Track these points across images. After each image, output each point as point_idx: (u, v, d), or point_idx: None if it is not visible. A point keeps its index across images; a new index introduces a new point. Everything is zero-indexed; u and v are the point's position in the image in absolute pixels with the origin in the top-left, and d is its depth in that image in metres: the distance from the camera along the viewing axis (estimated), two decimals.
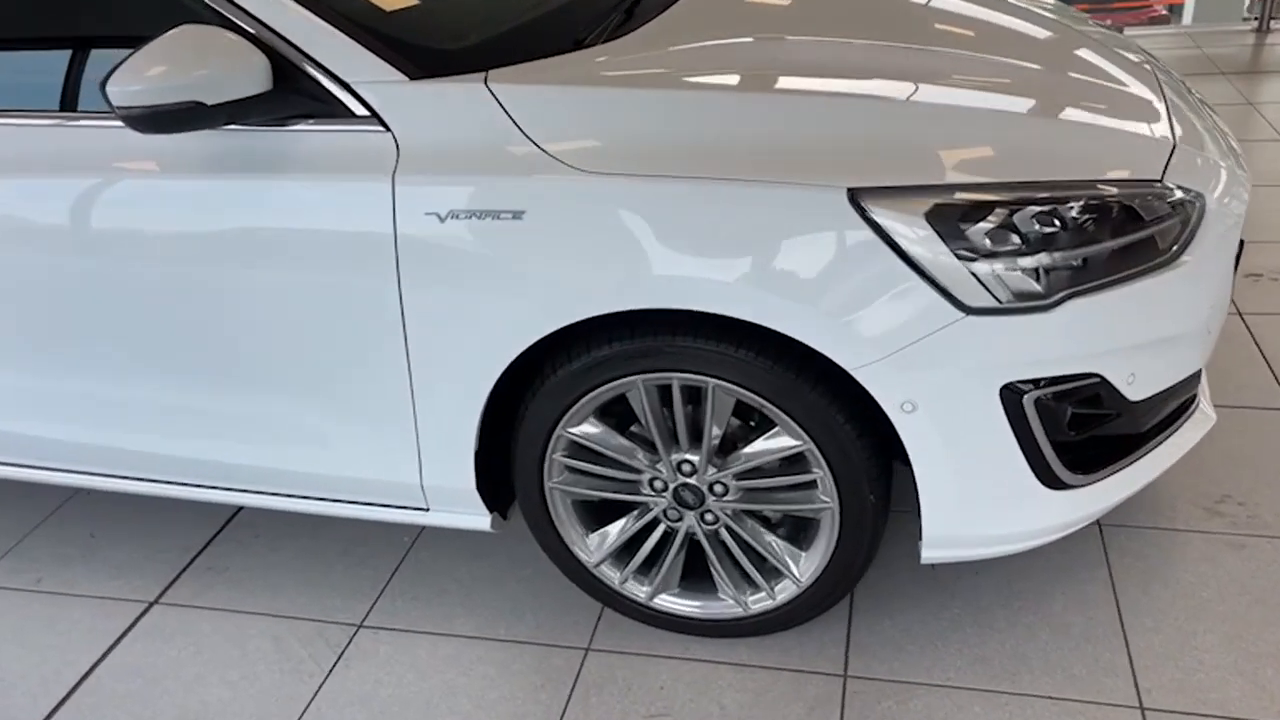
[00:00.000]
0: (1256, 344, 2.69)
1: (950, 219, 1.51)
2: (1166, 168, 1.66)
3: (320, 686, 1.96)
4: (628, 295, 1.60)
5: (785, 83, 1.72)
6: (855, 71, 1.76)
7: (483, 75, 1.69)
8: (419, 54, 1.70)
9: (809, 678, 1.85)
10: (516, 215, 1.60)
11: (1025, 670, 1.81)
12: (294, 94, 1.67)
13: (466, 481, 1.87)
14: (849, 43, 1.92)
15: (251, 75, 1.62)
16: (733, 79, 1.73)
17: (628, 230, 1.57)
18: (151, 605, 2.21)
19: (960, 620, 1.94)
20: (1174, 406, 1.86)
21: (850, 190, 1.51)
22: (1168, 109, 1.85)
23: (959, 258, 1.51)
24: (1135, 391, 1.68)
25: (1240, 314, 2.84)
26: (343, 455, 1.92)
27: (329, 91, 1.67)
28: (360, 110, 1.67)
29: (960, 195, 1.52)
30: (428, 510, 1.96)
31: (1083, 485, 1.71)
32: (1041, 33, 2.12)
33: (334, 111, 1.68)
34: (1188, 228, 1.66)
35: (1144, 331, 1.64)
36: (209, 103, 1.59)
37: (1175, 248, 1.64)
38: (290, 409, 1.90)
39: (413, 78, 1.67)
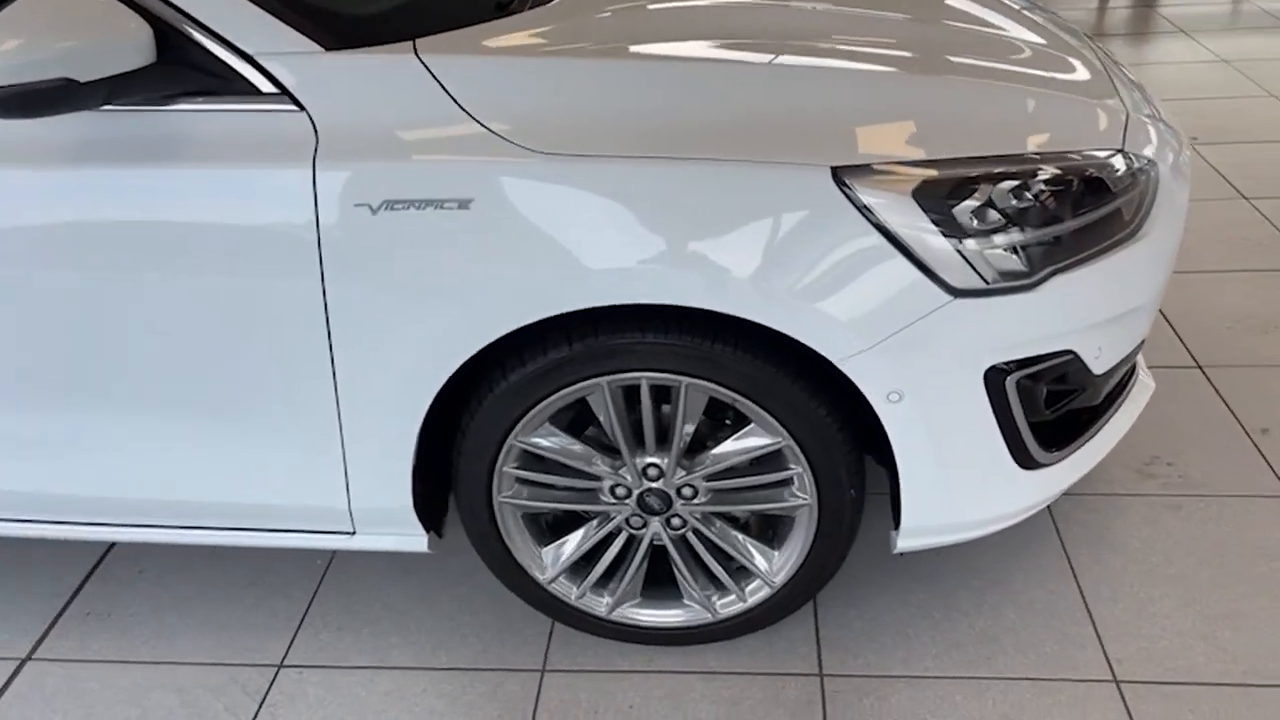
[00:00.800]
0: None
1: (937, 197, 1.43)
2: (1125, 136, 1.63)
3: None
4: (592, 290, 1.44)
5: (743, 52, 1.59)
6: (816, 37, 1.66)
7: (410, 45, 1.48)
8: (334, 20, 1.48)
9: (784, 680, 1.76)
10: (463, 204, 1.41)
11: (999, 652, 1.79)
12: (184, 68, 1.43)
13: (401, 501, 1.67)
14: (805, 7, 1.80)
15: (131, 46, 1.36)
16: (685, 48, 1.59)
17: (590, 219, 1.42)
18: (25, 661, 1.91)
19: (927, 606, 1.89)
20: (1121, 376, 1.86)
21: (834, 169, 1.40)
22: (1110, 76, 1.83)
23: (946, 237, 1.43)
24: (1100, 365, 1.66)
25: None
26: (253, 480, 1.69)
27: (227, 65, 1.43)
28: (267, 87, 1.44)
29: (947, 171, 1.43)
30: (353, 534, 1.76)
31: (1052, 463, 1.68)
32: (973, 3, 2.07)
33: (235, 88, 1.44)
34: (1146, 197, 1.64)
35: (1115, 305, 1.61)
36: (81, 80, 1.33)
37: (1138, 218, 1.62)
38: (189, 431, 1.65)
39: (328, 48, 1.45)
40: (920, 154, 1.45)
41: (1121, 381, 1.88)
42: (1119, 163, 1.57)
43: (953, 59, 1.69)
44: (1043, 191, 1.49)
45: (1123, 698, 1.69)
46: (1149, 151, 1.65)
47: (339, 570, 2.07)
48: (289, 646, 1.91)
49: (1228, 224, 3.20)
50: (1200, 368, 2.52)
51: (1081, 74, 1.76)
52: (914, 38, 1.75)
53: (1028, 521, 2.04)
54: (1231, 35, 5.13)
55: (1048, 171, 1.49)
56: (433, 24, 1.55)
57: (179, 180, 1.44)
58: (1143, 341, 1.85)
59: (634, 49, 1.57)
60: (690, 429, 1.59)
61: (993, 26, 1.90)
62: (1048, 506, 2.09)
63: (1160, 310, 2.73)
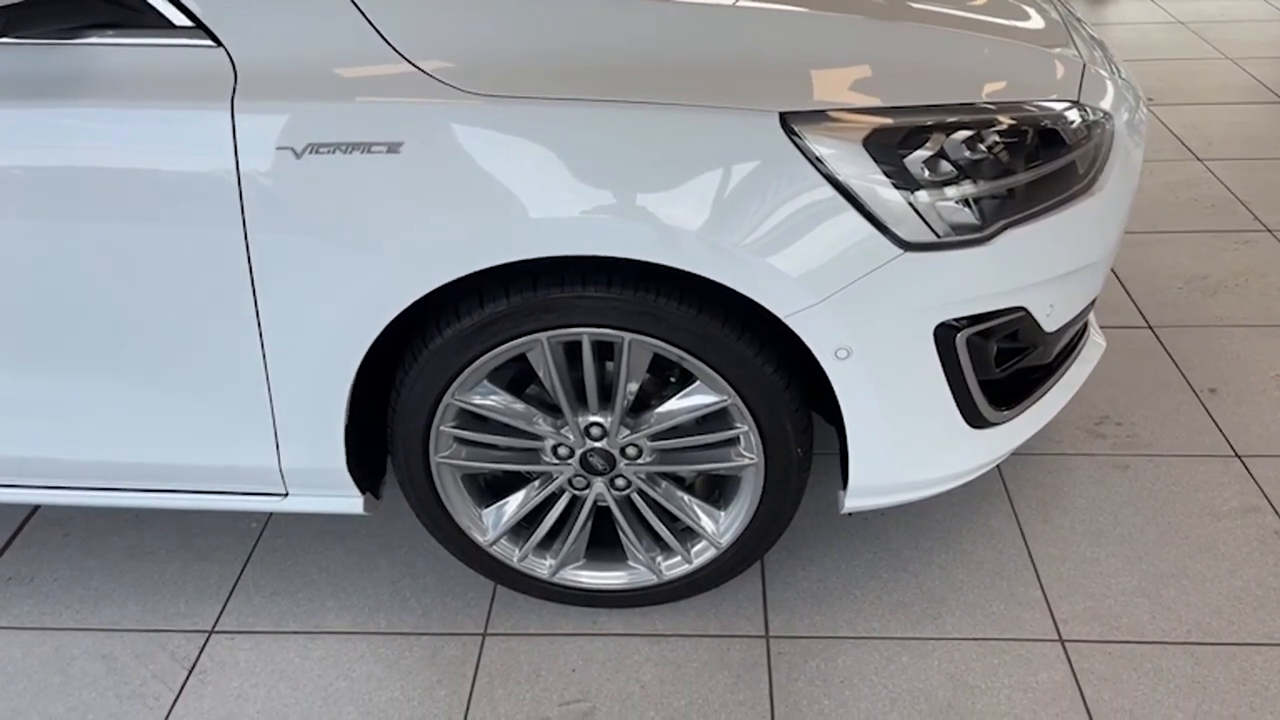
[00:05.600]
0: None
1: (889, 146, 1.37)
2: (1080, 88, 1.59)
3: (170, 710, 1.67)
4: (529, 241, 1.38)
5: None
6: None
7: None
8: None
9: (730, 642, 1.74)
10: (392, 148, 1.34)
11: (946, 612, 1.77)
12: None
13: (335, 461, 1.61)
14: None
15: None
16: None
17: (527, 165, 1.35)
18: None
19: (875, 565, 1.87)
20: (1072, 335, 1.84)
21: (782, 115, 1.34)
22: (1067, 27, 1.78)
23: (897, 189, 1.38)
24: (1051, 323, 1.63)
25: None
26: (180, 440, 1.62)
27: None
28: (180, 19, 1.35)
29: (900, 119, 1.38)
30: (286, 495, 1.69)
31: (1003, 422, 1.66)
32: None
33: (145, 21, 1.35)
34: (1101, 151, 1.61)
35: (1068, 261, 1.58)
36: None
37: (1093, 173, 1.58)
38: (111, 388, 1.57)
39: None
40: (871, 101, 1.39)
41: (1073, 340, 1.86)
42: (1074, 115, 1.53)
43: (913, 4, 1.63)
44: (996, 143, 1.44)
45: (1068, 656, 1.68)
46: (1105, 104, 1.61)
47: (274, 534, 2.01)
48: (220, 612, 1.85)
49: (1181, 185, 3.20)
50: (1150, 328, 2.51)
51: (1037, 23, 1.71)
52: None
53: (977, 481, 2.03)
54: None
55: (1002, 122, 1.44)
56: None
57: (85, 119, 1.35)
58: (1095, 300, 1.83)
59: None
60: (634, 387, 1.54)
61: None
62: (997, 466, 2.08)
63: (1112, 270, 2.72)
